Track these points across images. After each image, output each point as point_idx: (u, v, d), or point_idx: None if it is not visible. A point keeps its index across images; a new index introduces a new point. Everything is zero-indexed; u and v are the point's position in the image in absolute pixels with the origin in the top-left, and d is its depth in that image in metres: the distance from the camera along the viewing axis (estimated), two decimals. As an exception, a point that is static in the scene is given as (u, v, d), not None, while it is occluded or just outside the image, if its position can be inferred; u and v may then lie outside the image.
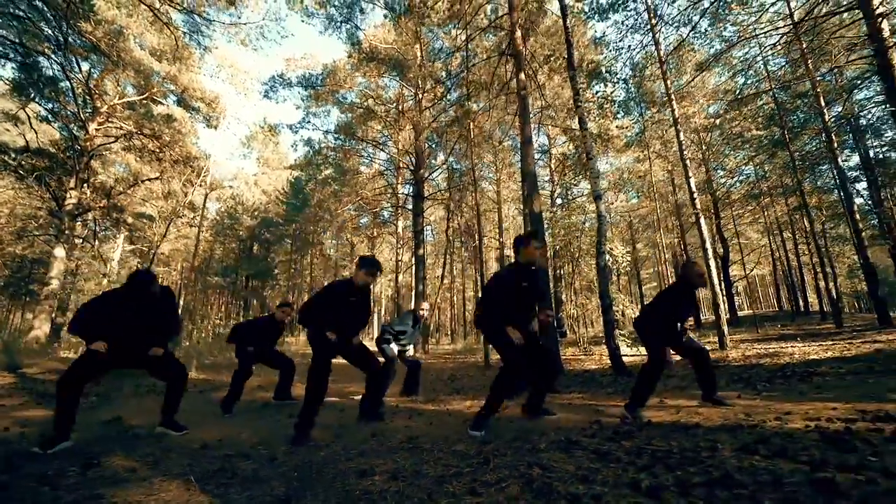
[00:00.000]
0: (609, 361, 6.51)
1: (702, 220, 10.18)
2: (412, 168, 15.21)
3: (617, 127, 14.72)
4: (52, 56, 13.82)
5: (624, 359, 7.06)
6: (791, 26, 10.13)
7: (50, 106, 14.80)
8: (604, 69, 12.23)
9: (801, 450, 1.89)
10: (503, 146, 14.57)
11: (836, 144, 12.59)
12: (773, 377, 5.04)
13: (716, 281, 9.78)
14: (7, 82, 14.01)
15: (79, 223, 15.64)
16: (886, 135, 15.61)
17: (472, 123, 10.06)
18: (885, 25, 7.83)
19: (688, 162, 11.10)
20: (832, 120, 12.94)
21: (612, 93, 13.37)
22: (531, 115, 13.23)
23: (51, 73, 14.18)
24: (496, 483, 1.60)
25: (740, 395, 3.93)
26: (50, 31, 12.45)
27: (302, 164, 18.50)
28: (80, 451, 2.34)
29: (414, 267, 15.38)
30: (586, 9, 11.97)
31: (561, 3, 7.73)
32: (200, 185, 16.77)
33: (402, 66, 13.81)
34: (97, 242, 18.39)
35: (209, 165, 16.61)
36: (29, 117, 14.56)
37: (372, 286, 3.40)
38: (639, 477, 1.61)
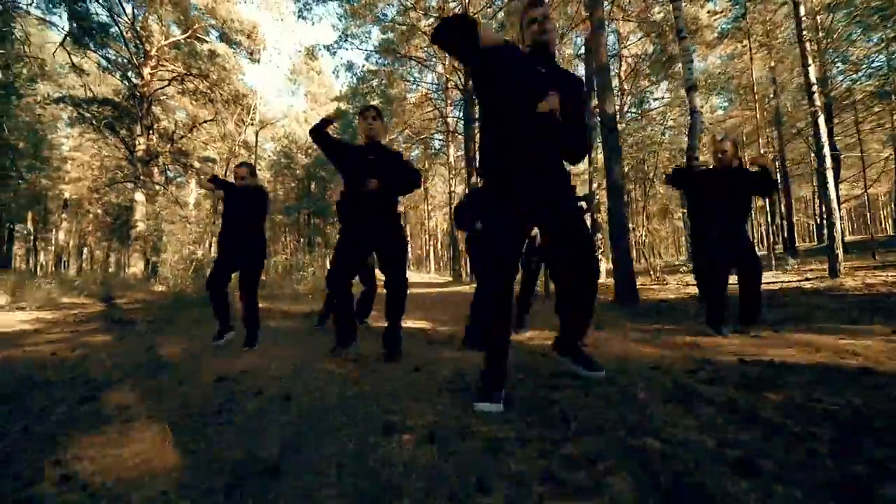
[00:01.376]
0: (694, 290, 5.54)
1: (820, 119, 8.14)
2: (461, 87, 13.78)
3: (709, 13, 11.92)
4: (99, 1, 13.85)
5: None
6: None
7: (105, 53, 15.07)
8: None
9: None
10: (567, 42, 12.47)
11: None
12: (932, 307, 3.87)
13: (832, 196, 7.99)
14: (65, 33, 14.33)
15: (154, 169, 16.54)
16: None
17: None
18: None
19: (807, 45, 8.73)
20: None
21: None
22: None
23: (101, 20, 14.29)
24: (589, 463, 0.99)
25: (894, 331, 2.93)
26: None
27: (347, 96, 17.69)
28: (92, 382, 2.10)
29: (467, 197, 14.59)
30: None
31: None
32: (251, 124, 16.78)
33: (445, -37, 11.92)
34: (173, 188, 19.61)
35: (257, 102, 16.41)
36: (82, 69, 15.01)
37: (380, 137, 2.81)
38: (852, 468, 0.91)
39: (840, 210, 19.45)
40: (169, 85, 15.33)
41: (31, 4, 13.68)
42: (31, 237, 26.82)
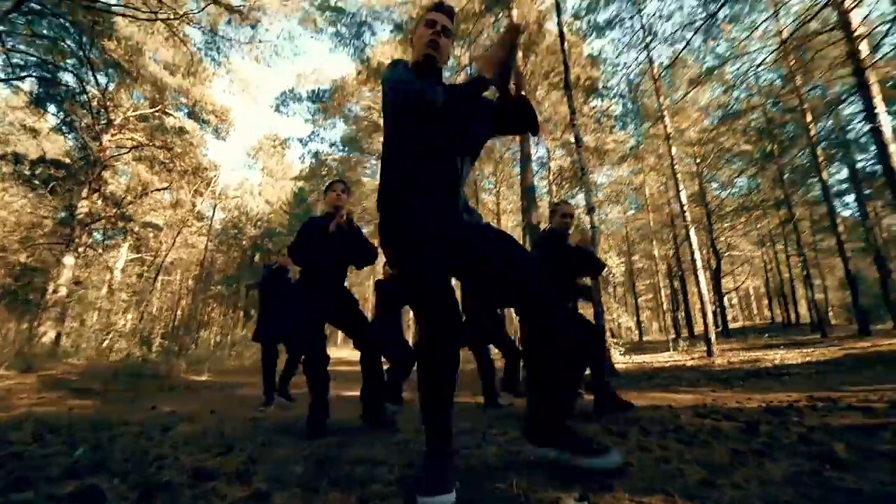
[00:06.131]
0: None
1: (692, 232, 10.77)
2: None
3: (613, 140, 15.41)
4: (73, 71, 14.46)
5: (618, 366, 7.69)
6: (780, 44, 10.06)
7: (65, 117, 15.36)
8: (601, 85, 12.95)
9: (744, 416, 2.41)
10: (503, 159, 15.21)
11: (821, 159, 13.24)
12: (749, 376, 5.56)
13: (704, 291, 10.31)
14: (27, 95, 14.62)
15: (86, 231, 16.05)
16: (872, 149, 16.32)
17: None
18: (863, 46, 8.20)
19: (679, 176, 11.70)
20: (819, 134, 13.54)
21: (608, 108, 14.06)
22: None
23: (69, 87, 14.76)
24: None
25: (714, 390, 4.44)
26: (73, 48, 13.01)
27: (307, 175, 19.11)
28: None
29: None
30: (584, 27, 12.73)
31: (559, 29, 8.36)
32: (210, 197, 17.34)
33: (406, 83, 14.46)
34: (101, 251, 18.80)
35: (218, 176, 17.20)
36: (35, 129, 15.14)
37: (347, 213, 2.65)
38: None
39: (725, 300, 23.00)
40: (128, 153, 15.75)
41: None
42: None
